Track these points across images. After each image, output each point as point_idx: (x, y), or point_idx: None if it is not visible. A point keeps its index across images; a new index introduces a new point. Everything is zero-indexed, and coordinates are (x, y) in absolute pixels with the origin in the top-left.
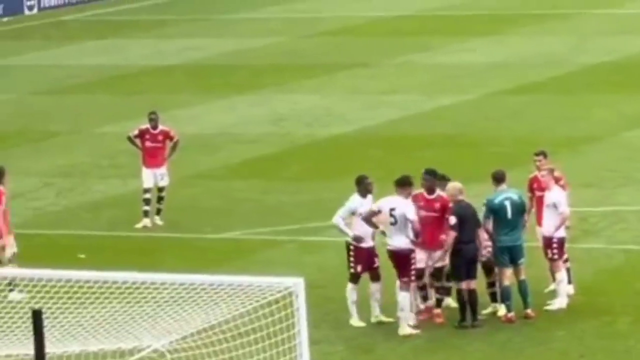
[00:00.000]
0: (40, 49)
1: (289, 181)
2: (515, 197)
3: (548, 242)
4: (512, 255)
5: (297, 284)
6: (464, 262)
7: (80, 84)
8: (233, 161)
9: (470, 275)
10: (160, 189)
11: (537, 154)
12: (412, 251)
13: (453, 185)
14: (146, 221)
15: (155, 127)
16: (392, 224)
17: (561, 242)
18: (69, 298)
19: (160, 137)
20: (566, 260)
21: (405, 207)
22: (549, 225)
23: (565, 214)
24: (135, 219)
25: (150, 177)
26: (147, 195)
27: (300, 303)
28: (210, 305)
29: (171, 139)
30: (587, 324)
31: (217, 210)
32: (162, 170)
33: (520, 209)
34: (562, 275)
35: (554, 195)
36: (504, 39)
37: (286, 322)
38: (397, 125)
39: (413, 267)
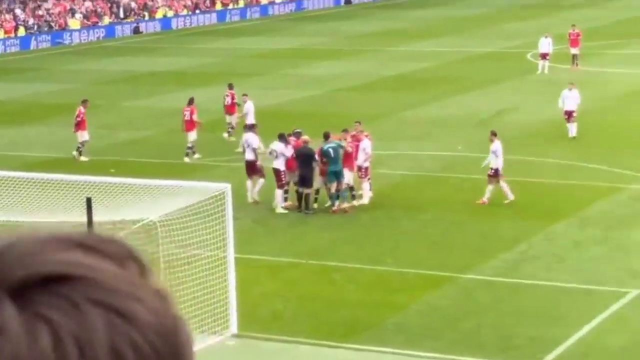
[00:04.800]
0: None
1: None
2: (335, 145)
3: (359, 168)
4: (336, 176)
5: (227, 187)
6: (301, 178)
7: None
8: None
9: (306, 185)
10: None
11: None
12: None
13: (303, 138)
14: None
15: None
16: (270, 153)
17: (366, 168)
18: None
19: None
20: (369, 179)
21: (278, 146)
22: (360, 159)
23: (368, 154)
24: None
25: None
26: None
27: (228, 198)
28: (179, 196)
29: None
30: (399, 213)
31: None
32: None
33: (338, 151)
34: (366, 186)
35: (363, 143)
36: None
37: (222, 207)
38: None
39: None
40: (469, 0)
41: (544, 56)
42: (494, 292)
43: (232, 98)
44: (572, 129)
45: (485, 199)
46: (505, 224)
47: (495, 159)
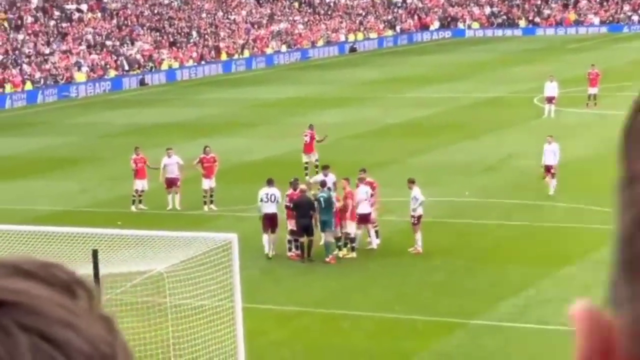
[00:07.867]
0: None
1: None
2: (326, 195)
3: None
4: (325, 225)
5: (233, 237)
6: (302, 227)
7: None
8: None
9: (308, 234)
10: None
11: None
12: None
13: (300, 186)
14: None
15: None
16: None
17: (372, 215)
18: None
19: None
20: (375, 225)
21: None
22: (364, 207)
23: (372, 200)
24: None
25: None
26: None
27: (234, 248)
28: (185, 247)
29: None
30: (407, 259)
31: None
32: None
33: (329, 202)
34: (372, 232)
35: (362, 190)
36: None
37: (228, 257)
38: None
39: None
40: (472, 45)
41: (549, 100)
42: (502, 338)
43: (312, 138)
44: (551, 186)
45: (419, 248)
46: (514, 269)
47: (417, 204)
